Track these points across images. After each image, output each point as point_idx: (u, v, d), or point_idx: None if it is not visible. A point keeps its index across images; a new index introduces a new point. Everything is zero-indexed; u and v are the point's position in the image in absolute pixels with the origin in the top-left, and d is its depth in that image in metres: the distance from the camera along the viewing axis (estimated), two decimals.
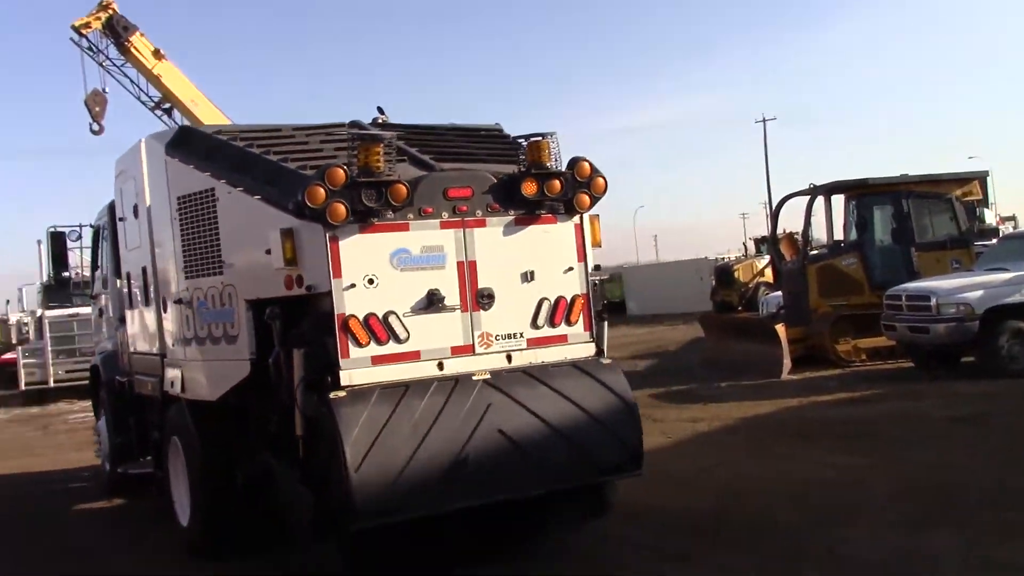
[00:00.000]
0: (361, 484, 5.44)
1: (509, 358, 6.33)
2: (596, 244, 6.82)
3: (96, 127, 27.83)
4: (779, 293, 20.01)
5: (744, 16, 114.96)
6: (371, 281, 5.93)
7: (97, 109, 27.84)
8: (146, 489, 9.18)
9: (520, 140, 6.55)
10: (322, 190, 5.66)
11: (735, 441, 11.00)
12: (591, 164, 6.54)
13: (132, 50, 27.95)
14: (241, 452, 6.99)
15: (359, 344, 5.87)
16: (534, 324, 6.42)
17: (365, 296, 5.90)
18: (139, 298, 8.62)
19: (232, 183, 6.61)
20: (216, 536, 7.33)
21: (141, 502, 9.70)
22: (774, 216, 20.64)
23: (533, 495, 6.13)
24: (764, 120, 62.14)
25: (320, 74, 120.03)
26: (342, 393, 5.70)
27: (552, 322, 6.48)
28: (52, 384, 24.01)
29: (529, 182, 6.30)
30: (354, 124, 7.20)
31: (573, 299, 6.55)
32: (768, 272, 30.46)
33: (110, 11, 27.38)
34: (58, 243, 11.23)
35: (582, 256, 6.62)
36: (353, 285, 5.87)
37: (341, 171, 5.72)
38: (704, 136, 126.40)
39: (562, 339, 6.53)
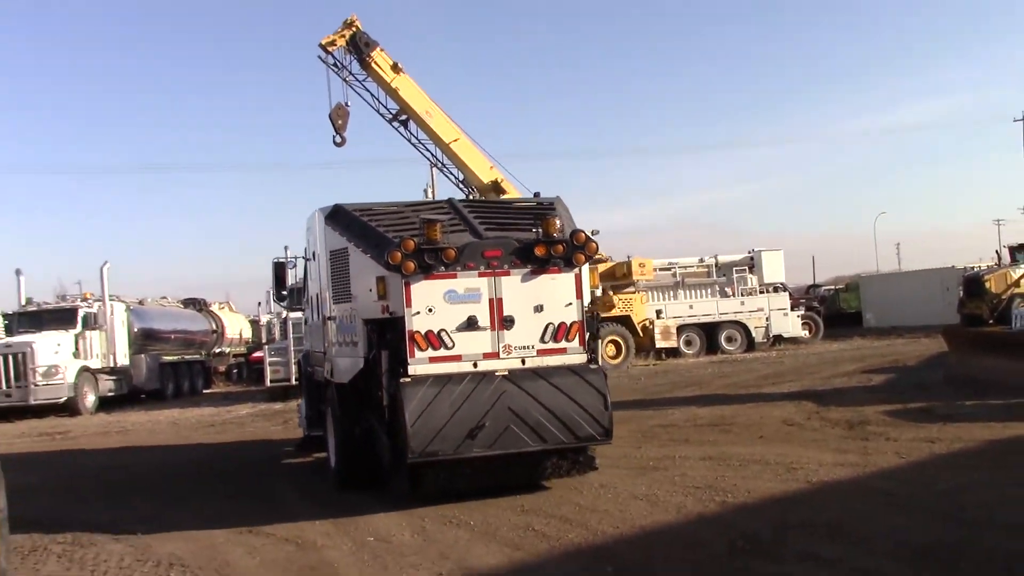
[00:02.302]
0: (414, 434, 8.65)
1: (523, 361, 9.40)
2: (594, 286, 10.32)
3: (339, 139, 29.36)
4: None
5: (1002, 12, 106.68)
6: (430, 310, 9.23)
7: (340, 122, 29.36)
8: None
9: (544, 206, 10.49)
10: (399, 253, 9.06)
11: (977, 464, 10.01)
12: (586, 233, 9.61)
13: (372, 65, 29.28)
14: (358, 416, 10.32)
15: (421, 349, 9.20)
16: (542, 340, 9.49)
17: (426, 319, 9.22)
18: (315, 314, 12.69)
19: (356, 245, 9.94)
20: (347, 472, 10.70)
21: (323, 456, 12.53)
22: None
23: (529, 451, 9.09)
24: None
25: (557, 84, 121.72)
26: (408, 379, 9.02)
27: (555, 339, 9.50)
28: (294, 381, 25.44)
29: (540, 247, 9.41)
30: (450, 201, 10.63)
31: (571, 324, 9.55)
32: None
33: (354, 28, 28.76)
34: (279, 270, 14.22)
35: (579, 295, 9.63)
36: (418, 312, 9.21)
37: (412, 242, 9.10)
38: (955, 138, 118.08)
39: (562, 351, 9.52)
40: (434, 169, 31.76)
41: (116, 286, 29.75)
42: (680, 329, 33.38)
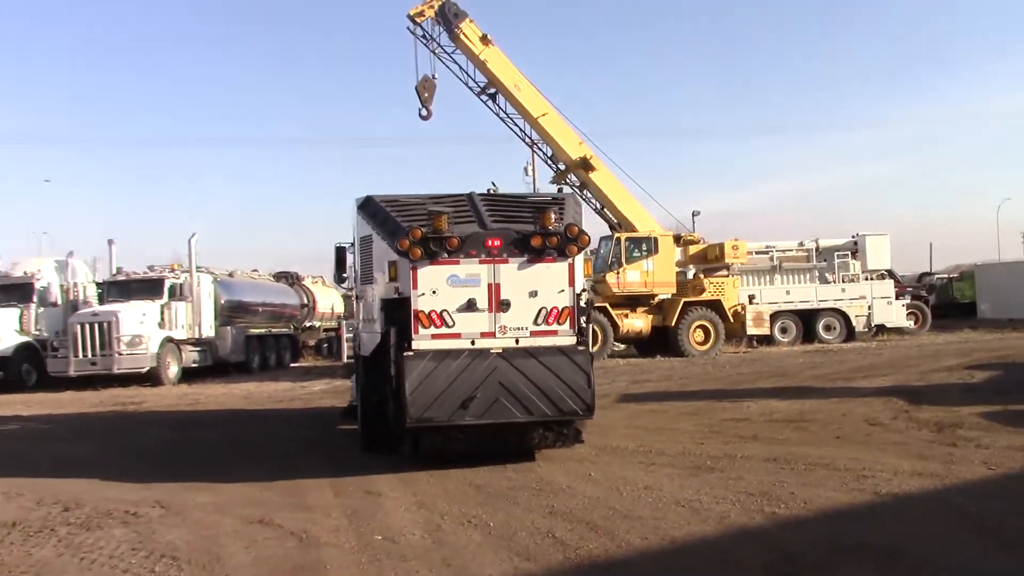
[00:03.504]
0: (412, 402, 9.62)
1: (517, 341, 10.22)
2: (587, 275, 11.38)
3: (425, 112, 28.87)
4: None
5: None
6: (434, 292, 10.18)
7: (426, 95, 28.85)
8: None
9: (550, 200, 11.10)
10: (407, 241, 10.04)
11: None
12: (579, 227, 10.42)
13: (461, 36, 28.65)
14: (377, 386, 10.93)
15: (424, 327, 10.15)
16: (535, 322, 10.30)
17: (430, 300, 10.18)
18: (354, 295, 14.46)
19: (378, 232, 10.90)
20: (368, 436, 11.66)
21: None
22: None
23: (516, 421, 9.92)
24: None
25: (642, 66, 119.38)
26: (410, 353, 9.94)
27: (547, 322, 10.30)
28: None
29: (536, 238, 10.24)
30: (470, 195, 11.08)
31: (563, 309, 10.35)
32: None
33: None
34: (340, 254, 14.47)
35: (572, 283, 10.39)
36: (423, 294, 10.17)
37: (419, 231, 10.06)
38: None
39: (553, 333, 10.31)
40: (533, 147, 31.08)
41: (215, 258, 29.99)
42: (775, 316, 31.89)
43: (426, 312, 10.12)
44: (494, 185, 12.22)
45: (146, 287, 28.00)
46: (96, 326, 25.91)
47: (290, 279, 38.29)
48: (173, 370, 27.18)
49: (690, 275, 31.67)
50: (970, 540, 6.87)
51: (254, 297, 33.42)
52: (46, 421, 18.24)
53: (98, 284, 29.86)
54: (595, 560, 6.77)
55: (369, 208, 11.11)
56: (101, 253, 31.84)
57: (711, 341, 28.99)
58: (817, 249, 34.08)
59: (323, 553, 7.25)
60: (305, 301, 37.52)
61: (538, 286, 10.28)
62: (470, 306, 10.17)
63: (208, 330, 29.37)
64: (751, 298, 31.57)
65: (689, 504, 8.34)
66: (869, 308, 32.73)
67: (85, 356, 25.80)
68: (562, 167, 30.33)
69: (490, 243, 10.22)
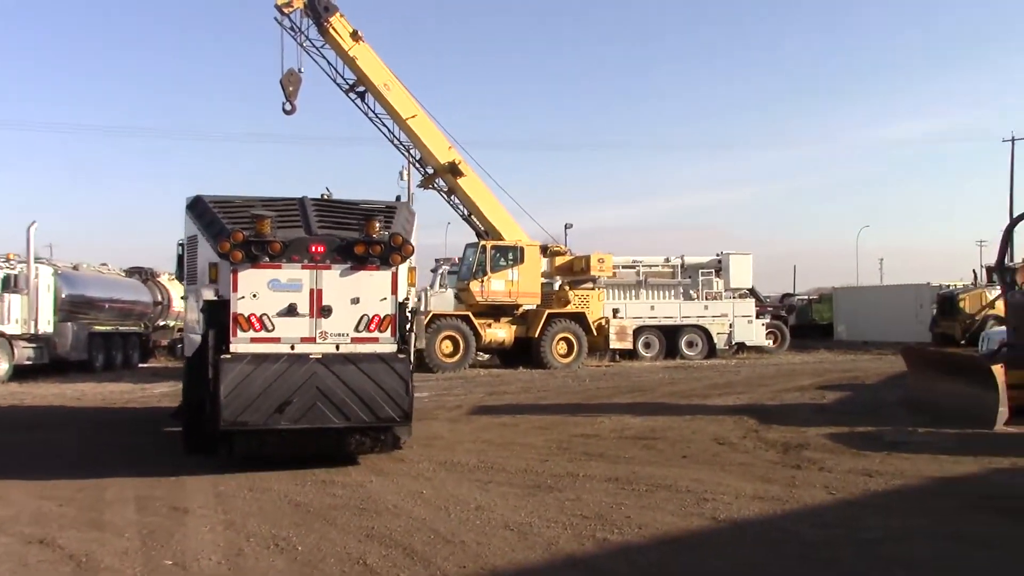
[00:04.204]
0: (226, 405, 9.53)
1: (338, 347, 10.22)
2: (412, 284, 11.24)
3: (289, 107, 27.72)
4: (1004, 328, 16.89)
5: (998, 36, 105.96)
6: (255, 295, 10.09)
7: (291, 88, 27.69)
8: None
9: (380, 208, 11.00)
10: (228, 243, 9.86)
11: (913, 508, 8.61)
12: (403, 236, 10.42)
13: (331, 31, 27.65)
14: (198, 387, 10.51)
15: (243, 330, 10.05)
16: (356, 329, 10.33)
17: (250, 303, 10.08)
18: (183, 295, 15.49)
19: (203, 233, 10.60)
20: (189, 437, 11.13)
21: None
22: (1005, 237, 17.21)
23: (333, 427, 10.00)
24: (1013, 140, 55.92)
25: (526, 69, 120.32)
26: (228, 356, 9.85)
27: (368, 329, 10.34)
28: None
29: (360, 246, 10.25)
30: (302, 199, 11.05)
31: (384, 317, 10.40)
32: (1000, 304, 26.52)
33: None
34: (182, 250, 13.37)
35: (395, 291, 10.45)
36: (243, 297, 10.05)
37: (240, 234, 9.88)
38: (947, 155, 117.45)
39: (375, 340, 10.35)
40: (401, 150, 30.22)
41: (74, 252, 28.05)
42: (639, 330, 31.94)
43: (245, 315, 10.05)
44: (328, 191, 12.24)
45: None
46: None
47: (144, 275, 36.35)
48: (3, 367, 25.25)
49: (555, 287, 31.41)
50: (803, 571, 6.50)
51: (100, 292, 31.52)
52: None
53: None
54: None
55: (197, 208, 10.89)
56: None
57: (574, 354, 28.75)
58: (683, 266, 34.29)
59: None
60: (159, 299, 35.71)
61: (360, 293, 10.33)
62: (291, 311, 10.13)
63: (46, 325, 27.47)
64: (615, 312, 31.54)
65: (519, 528, 7.77)
66: (731, 326, 33.13)
67: None
68: (430, 171, 29.67)
69: (313, 249, 10.19)
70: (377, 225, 10.29)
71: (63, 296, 28.60)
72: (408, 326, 10.74)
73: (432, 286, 36.04)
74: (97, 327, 30.50)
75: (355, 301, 10.31)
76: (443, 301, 31.20)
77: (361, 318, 10.33)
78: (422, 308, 30.19)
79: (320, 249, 10.21)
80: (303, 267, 10.19)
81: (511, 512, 8.38)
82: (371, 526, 7.86)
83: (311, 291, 10.21)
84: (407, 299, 10.94)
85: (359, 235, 10.34)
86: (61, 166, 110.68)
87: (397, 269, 10.47)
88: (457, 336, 27.55)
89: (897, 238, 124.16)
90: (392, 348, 10.37)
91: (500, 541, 7.34)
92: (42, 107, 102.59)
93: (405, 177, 46.14)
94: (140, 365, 32.53)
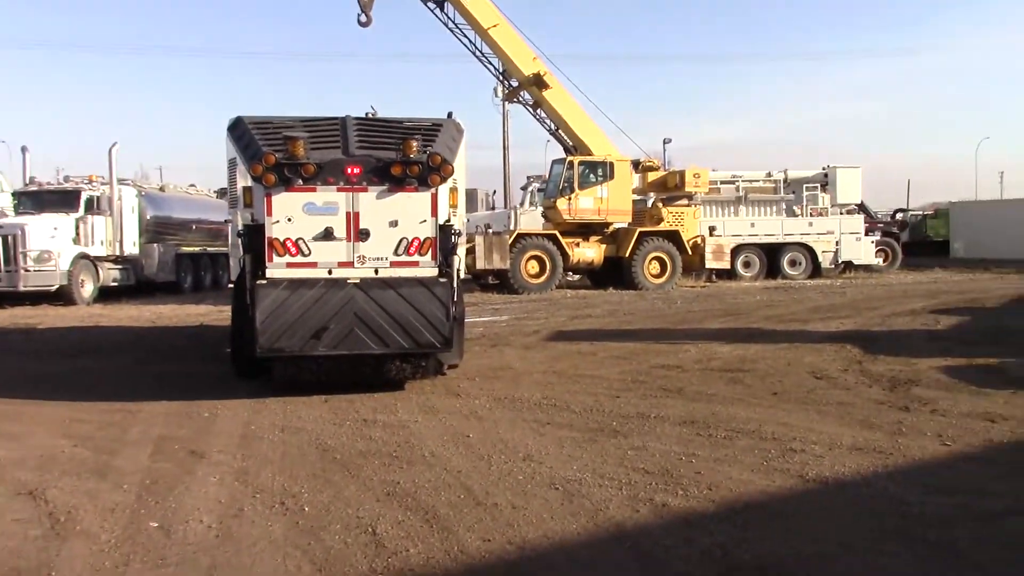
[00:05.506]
0: (262, 331, 9.34)
1: (376, 271, 9.84)
2: (453, 206, 10.46)
3: (364, 18, 26.52)
4: None
5: None
6: (290, 219, 9.68)
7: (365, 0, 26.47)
8: None
9: (425, 126, 10.30)
10: (260, 167, 9.47)
11: None
12: (442, 156, 9.80)
13: None
14: (242, 311, 10.00)
15: (279, 255, 9.69)
16: (395, 253, 9.89)
17: (285, 228, 9.68)
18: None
19: (240, 156, 10.09)
20: (236, 361, 11.30)
21: None
22: None
23: (370, 354, 9.75)
24: None
25: None
26: (263, 282, 9.53)
27: (408, 252, 9.89)
28: None
29: (397, 167, 9.73)
30: (344, 118, 10.34)
31: (424, 240, 9.92)
32: None
33: None
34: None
35: (435, 213, 9.90)
36: (278, 221, 9.66)
37: (272, 156, 9.46)
38: None
39: (414, 264, 9.89)
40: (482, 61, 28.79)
41: (171, 175, 27.71)
42: (738, 249, 30.18)
43: (280, 240, 9.70)
44: (372, 109, 11.53)
45: (60, 199, 25.84)
46: (0, 240, 23.85)
47: None
48: (88, 289, 25.18)
49: (648, 204, 29.82)
50: (906, 557, 5.20)
51: (187, 213, 31.33)
52: None
53: (14, 194, 27.69)
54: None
55: (237, 130, 10.41)
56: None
57: (667, 274, 27.31)
58: (785, 180, 32.22)
59: (64, 550, 5.48)
60: None
61: (399, 216, 9.89)
62: (327, 235, 9.75)
63: (131, 247, 27.37)
64: (712, 230, 29.79)
65: (566, 486, 6.62)
66: (837, 244, 31.11)
67: None
68: (515, 84, 28.20)
69: (349, 171, 9.76)
70: (415, 145, 9.73)
71: (148, 217, 28.43)
72: (451, 248, 10.16)
73: (522, 204, 34.92)
74: (185, 248, 30.39)
75: (393, 224, 9.88)
76: (533, 220, 30.07)
77: (400, 241, 9.90)
78: (509, 227, 29.19)
79: (356, 171, 9.77)
80: (339, 189, 9.77)
81: (562, 464, 7.24)
82: (396, 481, 6.82)
83: (347, 214, 9.81)
84: (449, 221, 10.32)
85: (396, 155, 9.79)
86: (162, 88, 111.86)
87: (437, 190, 9.95)
88: (543, 256, 26.37)
89: (1019, 151, 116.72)
90: (432, 272, 9.92)
91: (540, 504, 6.22)
92: (137, 31, 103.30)
93: (500, 93, 44.72)
94: (230, 285, 32.36)
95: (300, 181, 9.60)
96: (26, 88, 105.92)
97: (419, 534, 5.64)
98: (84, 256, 25.07)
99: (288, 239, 9.68)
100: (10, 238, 23.82)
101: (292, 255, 9.69)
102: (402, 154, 9.73)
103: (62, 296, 24.27)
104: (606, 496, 6.37)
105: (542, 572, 5.08)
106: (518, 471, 7.07)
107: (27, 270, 23.74)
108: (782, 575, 4.93)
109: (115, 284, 26.54)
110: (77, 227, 25.28)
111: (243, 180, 10.25)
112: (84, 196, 25.80)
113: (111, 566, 5.22)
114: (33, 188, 26.85)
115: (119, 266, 26.77)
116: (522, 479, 6.85)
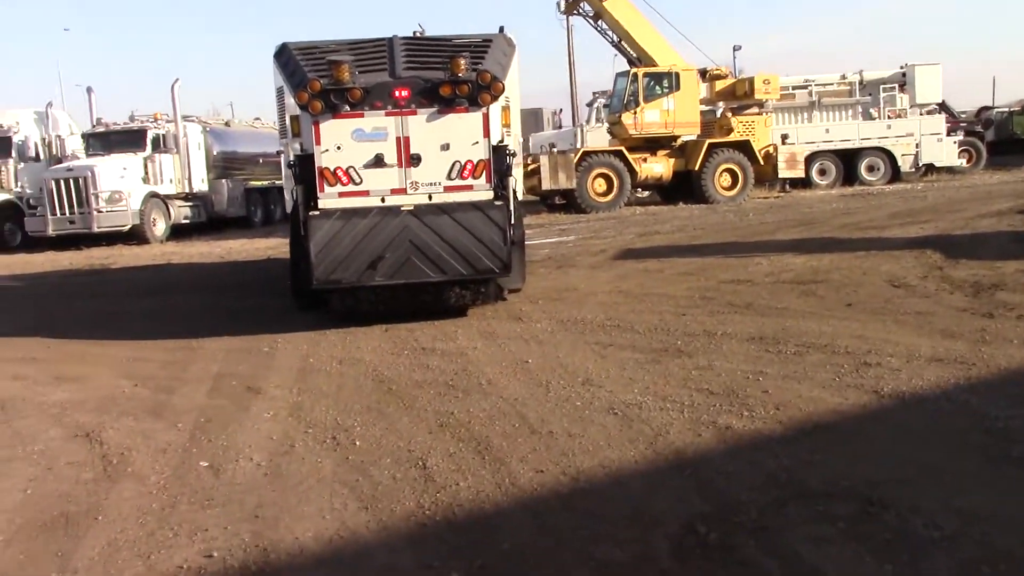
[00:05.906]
0: (317, 263, 9.25)
1: (430, 197, 9.56)
2: (507, 125, 10.13)
3: None
4: None
5: None
6: (339, 147, 9.43)
7: None
8: None
9: (475, 42, 9.92)
10: (306, 94, 9.19)
11: None
12: (492, 74, 9.43)
13: None
14: (298, 242, 10.02)
15: (330, 184, 9.47)
16: (449, 177, 9.62)
17: (335, 156, 9.44)
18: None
19: (287, 84, 9.88)
20: (295, 294, 11.15)
21: None
22: None
23: (428, 282, 9.58)
24: None
25: None
26: (316, 213, 9.32)
27: (461, 176, 9.62)
28: None
29: (445, 87, 9.40)
30: (391, 39, 9.91)
31: (478, 162, 9.63)
32: None
33: None
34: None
35: (487, 134, 9.57)
36: (327, 150, 9.42)
37: (318, 83, 9.16)
38: None
39: (469, 188, 9.62)
40: None
41: (241, 111, 27.78)
42: (812, 157, 29.17)
43: (331, 169, 9.43)
44: (420, 27, 11.26)
45: (127, 139, 26.11)
46: (72, 182, 24.22)
47: None
48: (160, 227, 25.55)
49: (717, 114, 28.89)
50: (988, 480, 4.83)
51: (254, 147, 31.39)
52: None
53: (84, 136, 28.01)
54: (451, 512, 4.84)
55: (282, 57, 10.11)
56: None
57: (739, 186, 26.52)
58: (861, 82, 30.86)
59: (113, 493, 5.43)
60: None
61: (450, 139, 9.55)
62: (378, 162, 9.47)
63: (200, 184, 27.61)
64: (784, 138, 28.76)
65: (625, 411, 6.36)
66: (917, 146, 29.84)
67: (63, 214, 24.21)
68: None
69: (397, 93, 9.41)
70: (462, 63, 9.35)
71: (215, 153, 28.60)
72: (505, 170, 9.78)
73: (588, 122, 34.20)
74: (253, 182, 30.52)
75: (445, 147, 9.56)
76: (600, 137, 29.43)
77: (453, 165, 9.58)
78: (575, 146, 28.63)
79: (404, 93, 9.41)
80: (387, 114, 9.45)
81: (623, 387, 6.98)
82: (451, 411, 6.64)
83: (398, 139, 9.50)
84: (503, 142, 9.95)
85: (445, 75, 9.39)
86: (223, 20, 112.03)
87: (488, 110, 9.55)
88: (610, 173, 25.81)
89: None
90: (488, 195, 9.62)
91: (597, 431, 5.98)
92: None
93: (562, 7, 43.71)
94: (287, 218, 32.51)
95: (347, 107, 9.31)
96: (95, 27, 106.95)
97: (470, 467, 5.45)
98: (154, 195, 25.38)
99: (339, 168, 9.44)
100: (81, 180, 24.19)
101: (344, 184, 9.47)
102: (450, 73, 9.37)
103: (135, 236, 24.68)
104: (667, 420, 6.10)
105: (595, 505, 4.83)
106: (576, 397, 6.83)
107: (99, 211, 24.15)
108: (853, 501, 4.60)
109: (186, 221, 26.87)
110: (145, 166, 25.57)
111: (291, 109, 10.04)
112: (151, 135, 26.00)
113: (158, 508, 5.15)
114: (100, 129, 27.14)
115: (189, 203, 27.05)
116: (580, 405, 6.61)
